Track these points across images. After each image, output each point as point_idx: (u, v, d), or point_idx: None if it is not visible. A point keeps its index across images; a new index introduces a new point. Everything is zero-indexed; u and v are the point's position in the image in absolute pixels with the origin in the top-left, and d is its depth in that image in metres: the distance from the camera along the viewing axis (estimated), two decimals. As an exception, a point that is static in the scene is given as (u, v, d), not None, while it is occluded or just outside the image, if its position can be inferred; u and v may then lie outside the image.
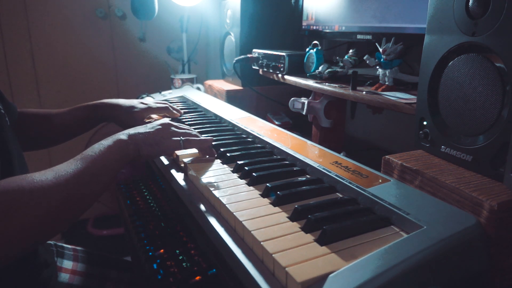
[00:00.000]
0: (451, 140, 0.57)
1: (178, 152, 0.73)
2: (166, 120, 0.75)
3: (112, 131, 0.69)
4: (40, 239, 0.53)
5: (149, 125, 0.71)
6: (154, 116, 0.93)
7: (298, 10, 1.23)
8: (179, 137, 0.70)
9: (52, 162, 2.01)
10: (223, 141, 0.78)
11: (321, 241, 0.43)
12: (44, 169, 0.52)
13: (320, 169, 0.61)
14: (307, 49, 1.07)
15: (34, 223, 0.47)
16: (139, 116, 0.89)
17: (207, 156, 0.73)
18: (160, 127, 0.70)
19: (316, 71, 1.01)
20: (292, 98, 1.06)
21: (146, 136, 0.67)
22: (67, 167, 0.53)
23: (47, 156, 1.98)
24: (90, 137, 1.80)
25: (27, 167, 0.70)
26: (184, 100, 1.26)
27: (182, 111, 1.05)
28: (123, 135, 0.65)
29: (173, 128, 0.72)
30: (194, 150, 0.74)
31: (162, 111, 0.95)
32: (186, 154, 0.73)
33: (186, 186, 0.64)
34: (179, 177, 0.68)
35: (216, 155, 0.73)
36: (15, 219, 0.45)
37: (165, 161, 0.77)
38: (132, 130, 0.67)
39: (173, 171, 0.71)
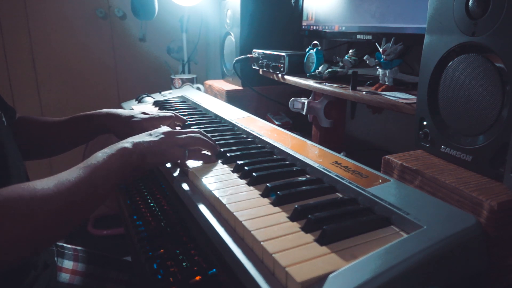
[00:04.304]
0: (451, 140, 0.57)
1: None
2: (168, 128, 0.73)
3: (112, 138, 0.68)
4: (42, 245, 0.53)
5: (152, 133, 0.69)
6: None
7: (298, 10, 1.23)
8: (184, 145, 0.69)
9: (52, 165, 2.01)
10: (223, 141, 0.78)
11: (321, 241, 0.43)
12: (44, 172, 0.52)
13: (320, 169, 0.61)
14: (307, 49, 1.07)
15: (34, 231, 0.47)
16: (137, 126, 0.85)
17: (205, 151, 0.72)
18: (163, 136, 0.68)
19: (316, 71, 1.01)
20: (292, 98, 1.06)
21: (151, 145, 0.65)
22: (69, 175, 0.53)
23: (47, 159, 1.98)
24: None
25: (25, 170, 0.70)
26: (184, 100, 1.26)
27: (183, 112, 1.05)
28: (127, 143, 0.63)
29: (177, 136, 0.70)
30: None
31: (167, 121, 0.90)
32: None
33: (186, 186, 0.64)
34: (179, 177, 0.68)
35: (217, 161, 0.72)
36: (13, 228, 0.45)
37: (165, 161, 0.77)
38: (136, 138, 0.66)
39: (173, 171, 0.71)
